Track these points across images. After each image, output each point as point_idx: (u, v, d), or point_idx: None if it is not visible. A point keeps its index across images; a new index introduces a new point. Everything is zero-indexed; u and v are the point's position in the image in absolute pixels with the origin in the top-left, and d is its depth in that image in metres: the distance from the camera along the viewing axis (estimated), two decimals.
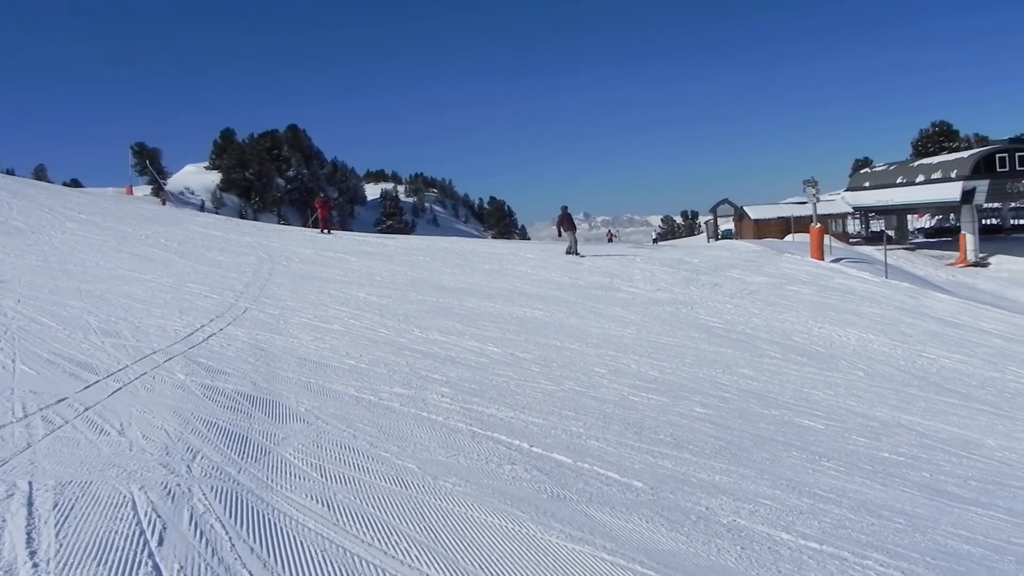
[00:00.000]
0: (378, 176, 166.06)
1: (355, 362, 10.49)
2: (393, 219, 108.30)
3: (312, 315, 13.88)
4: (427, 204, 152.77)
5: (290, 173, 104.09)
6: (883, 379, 13.91)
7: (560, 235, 30.21)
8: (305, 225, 47.61)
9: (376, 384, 9.29)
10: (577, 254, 28.43)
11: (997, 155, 46.02)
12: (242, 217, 73.91)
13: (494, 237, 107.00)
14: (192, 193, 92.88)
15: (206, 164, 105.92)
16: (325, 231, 33.78)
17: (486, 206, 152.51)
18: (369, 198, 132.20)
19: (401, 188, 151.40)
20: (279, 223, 63.50)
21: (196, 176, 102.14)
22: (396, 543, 4.67)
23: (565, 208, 29.93)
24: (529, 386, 10.14)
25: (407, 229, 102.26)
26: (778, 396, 11.74)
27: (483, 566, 4.46)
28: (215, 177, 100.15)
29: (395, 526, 4.94)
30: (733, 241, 49.61)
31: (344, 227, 74.01)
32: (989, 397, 13.42)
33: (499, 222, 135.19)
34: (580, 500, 5.87)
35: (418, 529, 4.92)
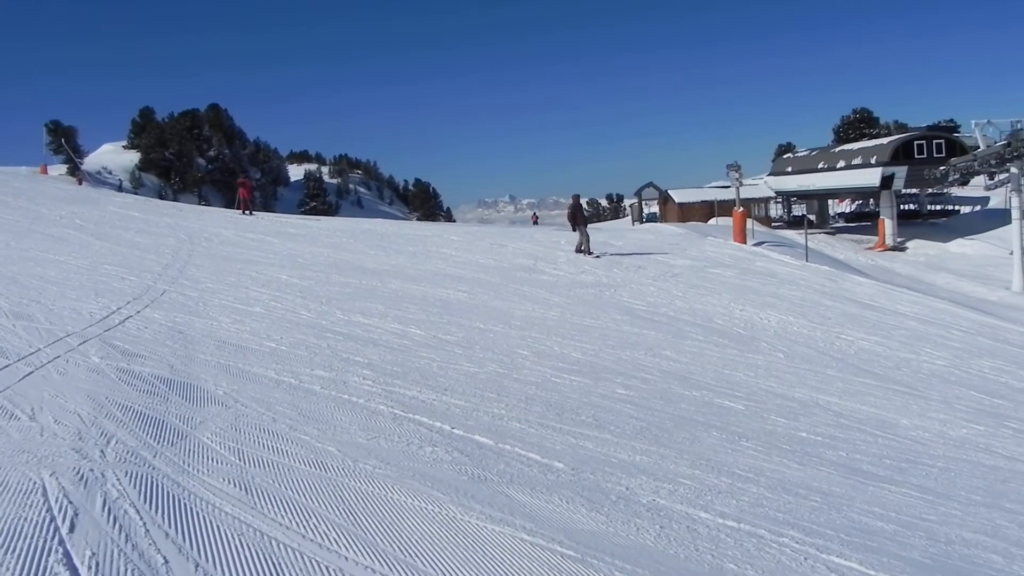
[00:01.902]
0: (301, 157, 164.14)
1: (276, 344, 10.37)
2: (317, 201, 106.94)
3: (232, 297, 13.69)
4: (351, 186, 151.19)
5: (211, 153, 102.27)
6: (802, 360, 14.16)
7: (574, 229, 25.76)
8: (227, 206, 46.84)
9: (297, 367, 9.20)
10: (590, 253, 24.66)
11: (915, 142, 47.25)
12: (162, 198, 72.25)
13: (419, 219, 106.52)
14: (110, 173, 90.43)
15: (124, 143, 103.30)
16: (247, 212, 33.30)
17: (411, 188, 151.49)
18: (292, 179, 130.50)
19: (325, 169, 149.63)
20: (200, 204, 62.47)
21: (114, 155, 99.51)
22: (315, 526, 4.63)
23: (576, 198, 26.76)
24: (451, 368, 10.14)
25: (331, 211, 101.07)
26: (699, 377, 11.88)
27: (402, 548, 4.44)
28: (133, 156, 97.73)
29: (314, 509, 4.90)
30: (657, 224, 50.08)
31: (267, 208, 73.09)
32: (904, 378, 13.74)
33: (424, 204, 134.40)
34: (501, 481, 5.89)
35: (337, 512, 4.89)
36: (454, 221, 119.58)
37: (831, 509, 6.56)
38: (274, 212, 52.30)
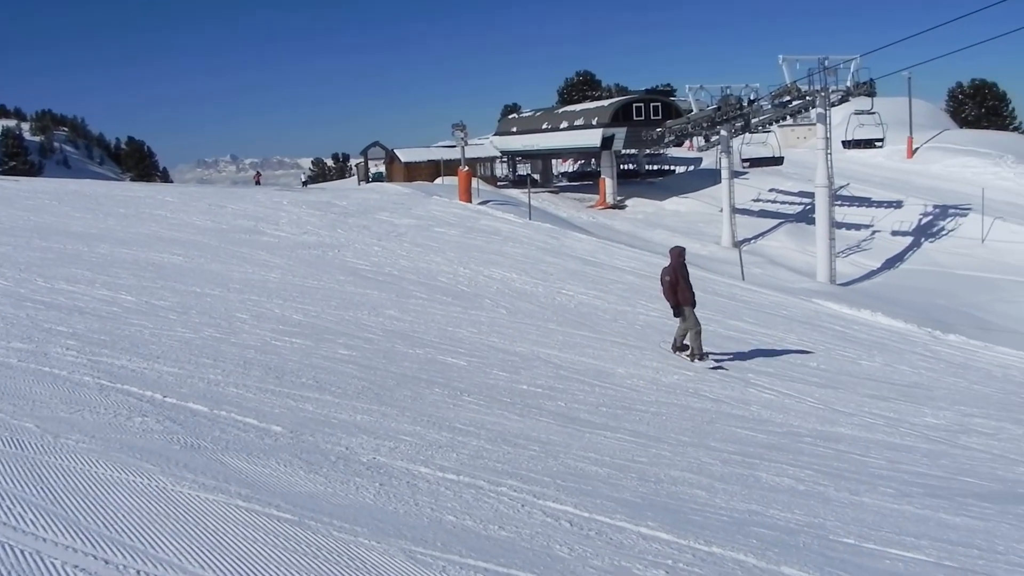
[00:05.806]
0: None
1: None
2: (16, 160, 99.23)
3: None
4: (56, 144, 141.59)
5: None
6: (524, 316, 14.63)
7: (674, 311, 13.56)
8: None
9: None
10: (702, 357, 12.97)
11: (634, 104, 49.68)
12: None
13: (132, 180, 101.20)
14: None
15: None
16: None
17: (124, 147, 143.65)
18: None
19: (26, 126, 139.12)
20: None
21: None
22: (9, 508, 4.30)
23: (681, 254, 14.23)
24: (165, 335, 9.75)
25: (33, 171, 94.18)
26: (423, 335, 12.05)
27: (108, 524, 4.22)
28: None
29: (7, 490, 4.55)
30: (383, 184, 49.99)
31: None
32: (621, 329, 14.49)
33: (138, 164, 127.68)
34: (215, 449, 5.74)
35: (34, 491, 4.57)
36: (171, 182, 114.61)
37: (548, 457, 6.86)
38: None
